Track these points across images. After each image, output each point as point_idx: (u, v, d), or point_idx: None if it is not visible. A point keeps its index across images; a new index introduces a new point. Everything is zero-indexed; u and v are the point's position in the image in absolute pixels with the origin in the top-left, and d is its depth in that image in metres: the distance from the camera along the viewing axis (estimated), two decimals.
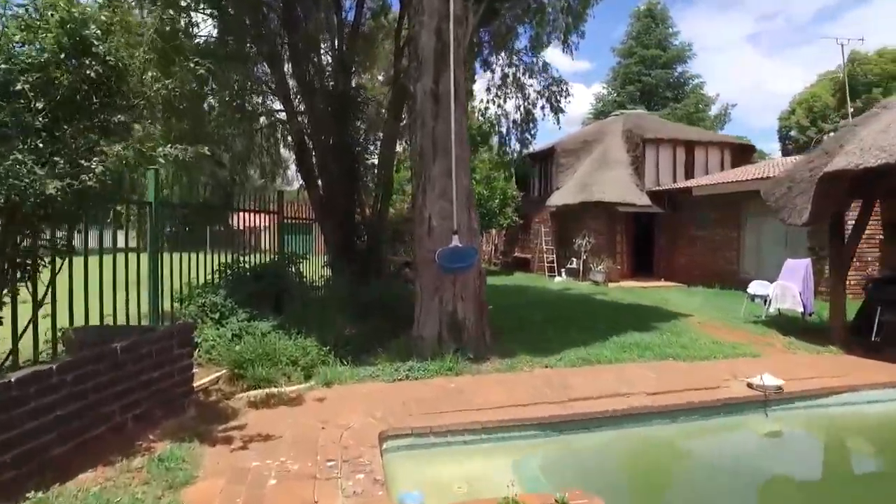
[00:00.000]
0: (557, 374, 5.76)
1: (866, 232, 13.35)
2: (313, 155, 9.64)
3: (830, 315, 7.90)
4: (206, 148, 4.49)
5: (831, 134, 37.27)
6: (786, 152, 36.14)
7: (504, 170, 20.61)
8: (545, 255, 20.51)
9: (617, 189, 18.25)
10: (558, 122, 11.11)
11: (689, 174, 19.40)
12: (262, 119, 9.67)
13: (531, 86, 10.22)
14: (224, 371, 5.60)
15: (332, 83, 9.50)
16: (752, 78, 62.47)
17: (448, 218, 6.18)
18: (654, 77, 32.35)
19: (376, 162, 9.92)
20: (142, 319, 6.12)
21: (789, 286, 9.49)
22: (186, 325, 4.61)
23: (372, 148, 10.00)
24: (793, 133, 37.80)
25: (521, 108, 10.15)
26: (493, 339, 6.71)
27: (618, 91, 32.87)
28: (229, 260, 7.96)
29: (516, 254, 25.08)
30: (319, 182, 9.74)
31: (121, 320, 5.60)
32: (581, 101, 63.62)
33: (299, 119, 9.36)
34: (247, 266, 8.14)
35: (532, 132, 10.87)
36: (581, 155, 20.78)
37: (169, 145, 4.02)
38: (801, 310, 9.48)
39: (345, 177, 9.56)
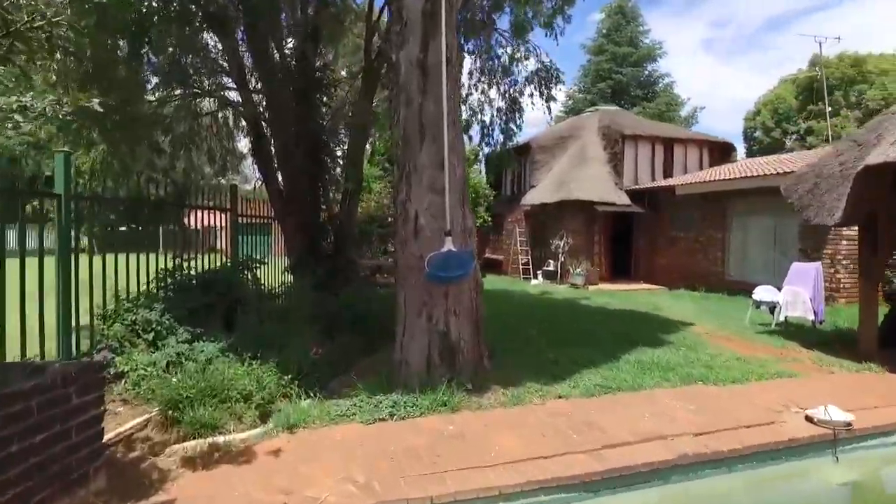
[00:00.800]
0: (577, 408, 4.70)
1: (856, 231, 12.86)
2: (272, 144, 8.37)
3: (861, 327, 7.08)
4: (96, 102, 3.22)
5: (792, 136, 37.52)
6: (750, 153, 36.26)
7: (489, 166, 19.67)
8: (519, 257, 19.56)
9: (596, 187, 17.43)
10: (549, 112, 10.13)
11: (669, 173, 18.74)
12: (210, 100, 8.27)
13: (518, 72, 9.22)
14: (155, 412, 4.34)
15: (294, 61, 8.24)
16: (708, 82, 63.91)
17: (439, 216, 5.06)
18: (625, 75, 31.85)
19: (345, 152, 8.66)
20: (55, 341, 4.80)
21: (800, 292, 8.70)
22: (91, 364, 3.35)
23: (341, 136, 8.76)
24: (757, 134, 37.97)
25: (507, 95, 9.11)
26: (491, 362, 5.60)
27: (588, 89, 32.28)
28: (177, 265, 6.67)
29: (488, 255, 24.07)
30: (279, 175, 8.47)
31: (30, 346, 4.29)
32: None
33: (255, 101, 8.07)
34: (193, 272, 6.85)
35: (518, 122, 9.86)
36: (557, 152, 19.92)
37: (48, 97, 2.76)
38: (811, 318, 8.71)
39: (309, 169, 8.33)
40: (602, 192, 17.37)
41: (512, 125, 9.80)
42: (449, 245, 4.84)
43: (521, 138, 10.77)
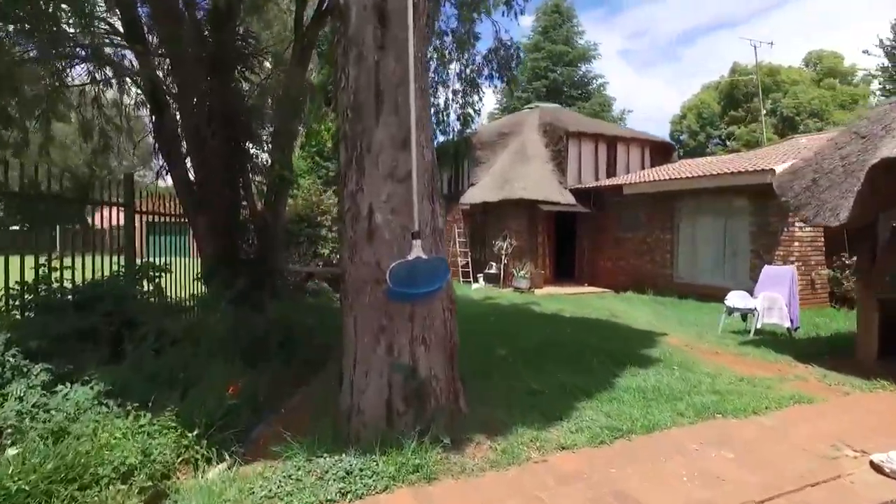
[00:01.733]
0: (591, 466, 3.56)
1: (808, 233, 12.67)
2: (178, 124, 6.80)
3: (860, 338, 6.41)
4: None
5: (714, 140, 38.62)
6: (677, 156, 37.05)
7: (444, 158, 18.43)
8: (458, 259, 18.48)
9: (539, 186, 16.62)
10: (512, 95, 8.99)
11: (612, 172, 18.23)
12: (88, 65, 6.49)
13: (477, 51, 8.04)
14: None
15: (208, 22, 6.70)
16: (626, 90, 66.39)
17: (402, 212, 3.79)
18: (561, 74, 31.56)
19: (272, 135, 7.17)
20: None
21: (777, 298, 8.05)
22: None
23: (267, 115, 7.26)
24: (683, 137, 38.94)
25: (464, 76, 7.94)
26: (466, 400, 4.38)
27: (524, 87, 31.78)
28: (43, 275, 5.04)
29: None
30: (189, 163, 6.91)
31: None
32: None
33: (156, 68, 6.47)
34: (67, 285, 5.23)
35: (476, 107, 8.69)
36: (497, 149, 19.01)
37: None
38: (787, 324, 8.09)
39: (227, 156, 6.81)
40: (546, 190, 16.59)
41: (470, 110, 8.64)
42: (417, 251, 3.59)
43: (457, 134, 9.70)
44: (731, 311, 8.53)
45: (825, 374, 6.06)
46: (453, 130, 8.87)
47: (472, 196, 17.96)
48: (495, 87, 8.63)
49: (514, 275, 16.10)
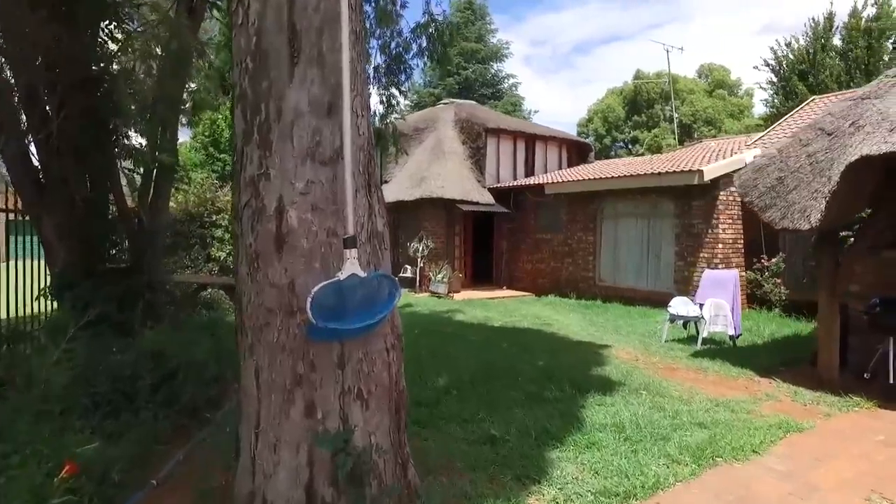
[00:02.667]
0: None
1: (731, 235, 12.62)
2: (14, 88, 5.14)
3: (822, 350, 5.92)
4: None
5: (619, 144, 39.79)
6: None
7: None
8: None
9: (457, 184, 15.74)
10: (442, 78, 7.87)
11: (530, 171, 17.72)
12: None
13: (405, 23, 6.88)
14: None
15: None
16: (529, 95, 68.10)
17: (327, 210, 2.61)
18: (474, 71, 30.99)
19: (150, 109, 5.61)
20: None
21: (723, 304, 7.56)
22: None
23: (142, 82, 5.71)
24: (590, 140, 39.76)
25: (389, 50, 6.75)
26: (417, 469, 3.23)
27: (435, 82, 30.91)
28: None
29: None
30: (30, 140, 5.27)
31: None
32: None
33: None
34: None
35: (403, 87, 7.50)
36: (412, 144, 17.90)
37: None
38: (732, 332, 7.63)
39: (84, 134, 5.23)
40: (464, 189, 15.73)
41: (395, 90, 7.45)
42: (351, 266, 2.42)
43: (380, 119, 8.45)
44: (674, 318, 7.98)
45: (795, 391, 5.51)
46: (375, 114, 7.65)
47: (386, 194, 16.73)
48: (425, 64, 7.44)
49: (432, 279, 15.10)
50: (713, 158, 11.98)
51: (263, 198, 2.64)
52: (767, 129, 14.06)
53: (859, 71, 18.86)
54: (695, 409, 4.75)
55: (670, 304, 8.02)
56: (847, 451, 4.01)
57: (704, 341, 7.67)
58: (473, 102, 21.43)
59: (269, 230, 2.62)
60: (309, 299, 2.29)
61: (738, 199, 11.91)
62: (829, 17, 21.89)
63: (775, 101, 21.82)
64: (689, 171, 11.31)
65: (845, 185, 5.16)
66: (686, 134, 34.29)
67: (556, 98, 68.40)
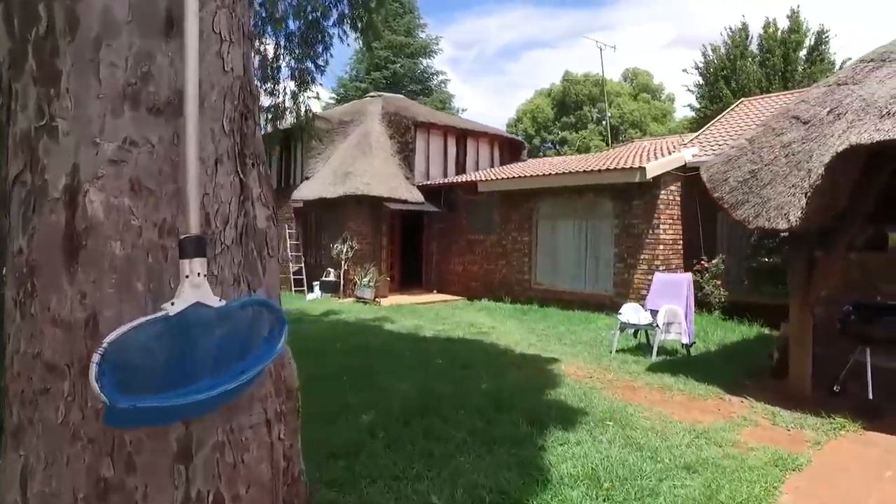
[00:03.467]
0: None
1: (671, 236, 12.22)
2: None
3: (794, 365, 5.30)
4: None
5: (547, 145, 39.87)
6: None
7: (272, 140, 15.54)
8: (290, 265, 15.82)
9: (385, 181, 14.65)
10: (370, 50, 6.68)
11: (461, 169, 16.86)
12: None
13: None
14: None
15: None
16: (456, 97, 68.19)
17: (158, 192, 1.50)
18: (402, 66, 29.87)
19: None
20: None
21: (677, 311, 6.91)
22: None
23: None
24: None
25: (304, 15, 5.55)
26: None
27: (361, 76, 29.58)
28: None
29: None
30: None
31: None
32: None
33: None
34: None
35: (321, 60, 6.27)
36: (336, 138, 16.65)
37: None
38: (686, 340, 7.00)
39: None
40: (392, 187, 14.66)
41: (311, 64, 6.20)
42: (197, 289, 1.35)
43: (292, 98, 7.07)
44: (625, 327, 7.26)
45: (773, 412, 4.82)
46: (285, 92, 6.41)
47: (307, 192, 15.42)
48: (345, 34, 6.22)
49: (357, 283, 13.92)
50: (650, 157, 11.50)
51: (45, 169, 1.50)
52: (703, 129, 13.86)
53: (777, 77, 19.36)
54: (674, 443, 3.93)
55: (620, 310, 7.31)
56: (834, 484, 3.29)
57: (660, 351, 6.99)
58: (401, 96, 20.38)
59: (52, 225, 1.48)
60: (97, 356, 1.19)
61: (679, 199, 11.54)
62: (744, 28, 22.63)
63: (701, 103, 22.16)
64: (631, 168, 10.77)
65: (826, 179, 4.52)
66: (613, 136, 34.71)
67: (483, 102, 68.56)
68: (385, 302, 13.39)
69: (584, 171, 11.70)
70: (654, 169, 10.61)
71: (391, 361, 6.58)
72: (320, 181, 15.26)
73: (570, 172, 11.95)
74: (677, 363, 6.59)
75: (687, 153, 11.73)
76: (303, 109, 6.38)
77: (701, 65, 22.49)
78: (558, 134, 37.04)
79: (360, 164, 14.88)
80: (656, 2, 63.54)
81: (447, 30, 68.69)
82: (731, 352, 7.43)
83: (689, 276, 7.45)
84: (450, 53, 67.21)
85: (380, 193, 14.17)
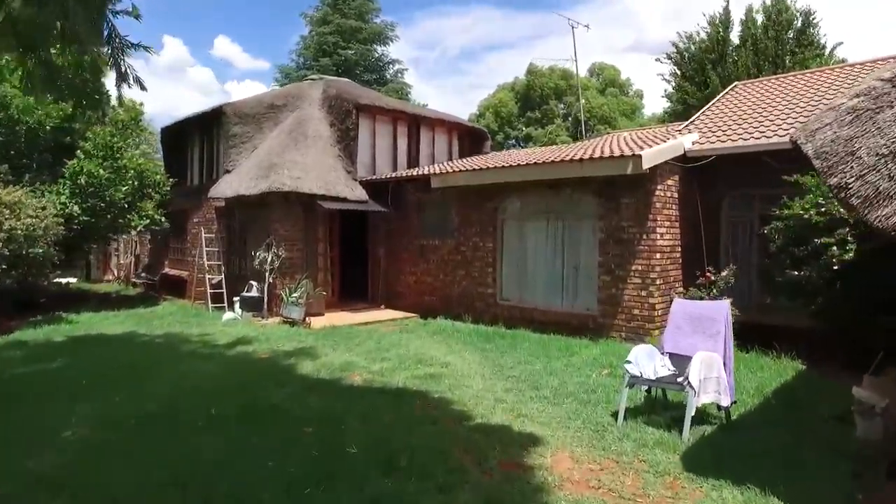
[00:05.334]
0: None
1: (669, 242, 9.86)
2: None
3: None
4: None
5: (511, 141, 37.75)
6: None
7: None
8: (207, 276, 13.06)
9: (319, 176, 12.04)
10: None
11: (414, 162, 14.36)
12: None
13: None
14: None
15: None
16: (416, 97, 66.02)
17: None
18: (354, 52, 27.15)
19: None
20: None
21: (714, 359, 4.57)
22: None
23: None
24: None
25: None
26: None
27: (309, 63, 26.75)
28: None
29: (168, 270, 16.82)
30: None
31: None
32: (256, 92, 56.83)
33: None
34: None
35: None
36: (265, 125, 13.94)
37: None
38: (727, 401, 4.68)
39: None
40: (328, 182, 12.07)
41: None
42: None
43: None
44: (635, 382, 4.88)
45: None
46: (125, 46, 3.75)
47: (225, 187, 12.68)
48: None
49: (284, 300, 11.26)
50: (640, 146, 9.22)
51: None
52: (697, 114, 11.71)
53: (767, 62, 17.56)
54: None
55: (629, 356, 4.92)
56: None
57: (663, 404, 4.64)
58: (348, 80, 17.77)
59: None
60: None
61: (677, 196, 9.30)
62: (726, 13, 20.94)
63: (686, 90, 20.21)
64: (622, 156, 8.47)
65: None
66: (583, 132, 32.77)
67: (444, 101, 66.45)
68: (318, 322, 10.80)
69: (561, 160, 9.35)
70: (651, 157, 8.34)
71: (277, 440, 4.08)
72: (242, 175, 12.54)
73: (543, 163, 9.58)
74: (725, 445, 4.26)
75: (686, 140, 9.52)
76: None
77: (674, 54, 20.69)
78: (522, 130, 34.92)
79: (289, 156, 12.23)
80: (614, 6, 62.53)
81: (407, 30, 66.40)
82: (784, 411, 5.16)
83: (725, 304, 5.10)
84: (410, 54, 64.85)
85: (311, 189, 11.56)
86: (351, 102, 13.20)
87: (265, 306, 11.62)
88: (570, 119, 34.14)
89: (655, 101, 64.17)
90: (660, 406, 5.16)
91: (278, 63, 29.26)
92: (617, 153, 8.62)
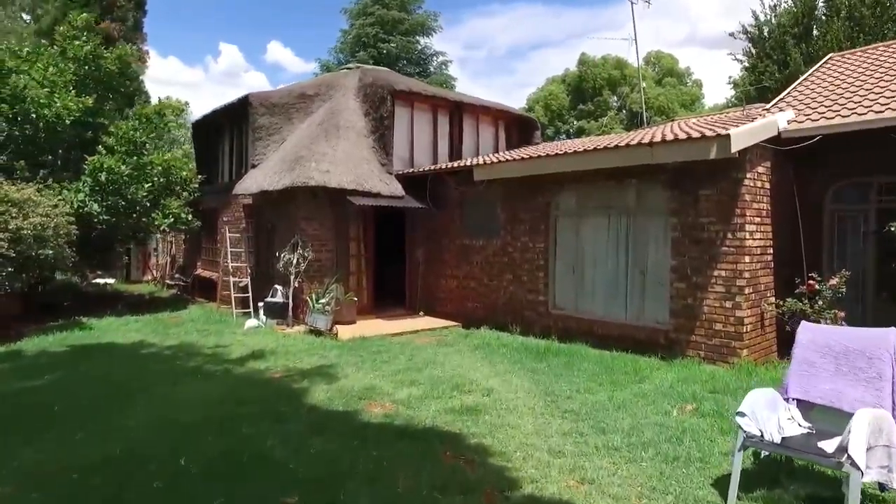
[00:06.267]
0: None
1: (759, 242, 8.03)
2: None
3: None
4: None
5: (563, 136, 36.13)
6: None
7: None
8: (232, 279, 12.12)
9: (350, 169, 10.87)
10: None
11: (456, 154, 13.05)
12: None
13: None
14: None
15: None
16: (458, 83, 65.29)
17: None
18: (395, 44, 26.06)
19: None
20: None
21: (884, 418, 3.06)
22: None
23: None
24: None
25: None
26: None
27: (348, 57, 25.83)
28: None
29: (200, 271, 16.08)
30: None
31: None
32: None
33: None
34: None
35: None
36: (295, 116, 12.93)
37: None
38: (893, 484, 3.13)
39: None
40: (360, 175, 10.89)
41: None
42: None
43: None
44: (751, 443, 3.42)
45: None
46: None
47: (250, 183, 11.70)
48: None
49: (311, 306, 10.16)
50: (709, 131, 7.57)
51: None
52: (785, 92, 9.94)
53: (863, 33, 15.40)
54: None
55: (743, 405, 3.43)
56: None
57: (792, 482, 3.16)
58: (386, 69, 16.62)
59: None
60: None
61: (768, 186, 7.66)
62: None
63: (766, 68, 18.13)
64: (703, 137, 6.92)
65: None
66: (638, 125, 30.76)
67: (492, 98, 65.28)
68: (346, 332, 9.63)
69: (626, 144, 7.85)
70: (741, 138, 6.77)
71: None
72: (268, 169, 11.53)
73: (605, 148, 8.11)
74: None
75: (780, 118, 7.86)
76: None
77: (752, 27, 18.60)
78: (574, 123, 33.10)
79: (318, 147, 11.12)
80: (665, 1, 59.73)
81: (453, 30, 65.47)
82: None
83: (890, 333, 3.55)
84: (458, 53, 63.94)
85: (340, 184, 10.41)
86: (385, 88, 11.99)
87: (290, 313, 10.55)
88: (624, 111, 32.14)
89: (716, 92, 61.02)
90: (783, 473, 3.68)
91: (319, 57, 28.44)
92: (698, 135, 7.07)
